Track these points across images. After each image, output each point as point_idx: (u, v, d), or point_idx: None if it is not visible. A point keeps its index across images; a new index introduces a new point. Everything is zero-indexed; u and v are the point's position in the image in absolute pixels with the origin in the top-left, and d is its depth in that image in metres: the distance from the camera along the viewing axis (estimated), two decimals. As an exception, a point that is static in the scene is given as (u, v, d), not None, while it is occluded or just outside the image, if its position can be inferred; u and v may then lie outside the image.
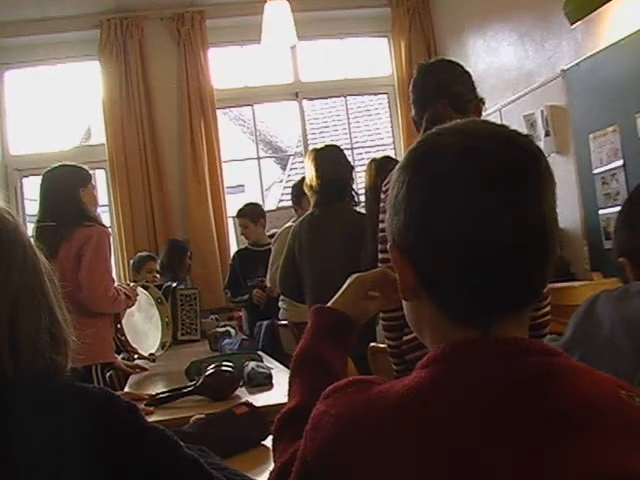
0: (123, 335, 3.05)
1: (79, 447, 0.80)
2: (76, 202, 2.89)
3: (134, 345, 3.12)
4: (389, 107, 6.14)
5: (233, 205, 5.41)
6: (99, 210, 3.58)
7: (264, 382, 2.24)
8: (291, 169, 10.93)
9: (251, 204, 4.76)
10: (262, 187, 6.13)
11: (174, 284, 4.35)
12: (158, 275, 4.66)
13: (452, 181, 0.70)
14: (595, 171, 3.76)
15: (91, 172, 3.16)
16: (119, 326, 3.04)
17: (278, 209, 6.21)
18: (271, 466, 0.92)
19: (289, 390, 0.98)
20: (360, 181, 4.83)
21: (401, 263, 0.75)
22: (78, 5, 5.25)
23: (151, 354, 3.20)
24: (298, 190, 3.82)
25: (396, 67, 5.85)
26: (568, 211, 3.93)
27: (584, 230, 3.94)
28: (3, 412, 0.80)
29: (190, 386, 2.10)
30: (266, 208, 5.25)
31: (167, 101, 5.52)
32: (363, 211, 3.13)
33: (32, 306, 0.88)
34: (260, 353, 2.78)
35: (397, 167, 0.78)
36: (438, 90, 1.83)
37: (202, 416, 1.61)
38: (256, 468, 1.36)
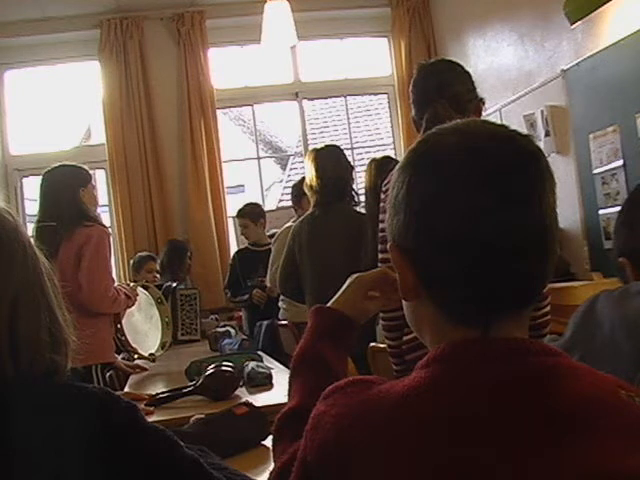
0: (123, 335, 3.05)
1: (79, 447, 0.80)
2: (76, 202, 2.89)
3: (134, 345, 3.12)
4: (389, 107, 6.14)
5: (233, 205, 5.41)
6: (99, 210, 3.57)
7: (264, 382, 2.25)
8: (291, 169, 10.94)
9: (251, 204, 4.76)
10: (262, 187, 6.13)
11: (174, 284, 4.35)
12: (158, 275, 4.66)
13: (452, 181, 0.70)
14: (595, 171, 3.76)
15: (91, 172, 3.16)
16: (119, 326, 3.04)
17: (278, 209, 6.21)
18: (271, 466, 0.92)
19: (289, 390, 0.98)
20: (360, 181, 4.83)
21: (401, 263, 0.75)
22: (78, 5, 5.25)
23: (151, 354, 3.20)
24: (298, 190, 3.82)
25: (396, 67, 5.85)
26: (568, 211, 3.93)
27: (584, 230, 3.94)
28: (3, 412, 0.80)
29: (190, 386, 2.10)
30: (266, 208, 5.24)
31: (167, 101, 5.52)
32: (363, 211, 3.13)
33: (32, 306, 0.88)
34: (260, 353, 2.79)
35: (397, 167, 0.78)
36: (438, 90, 1.83)
37: (202, 416, 1.61)
38: (256, 468, 1.37)
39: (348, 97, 6.46)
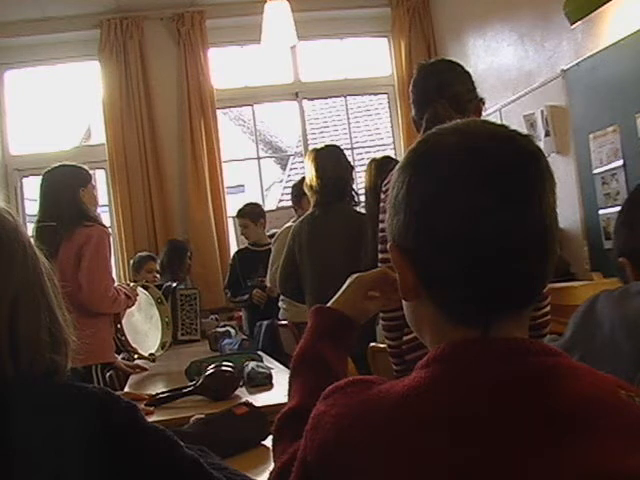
0: (123, 335, 3.05)
1: (79, 447, 0.80)
2: (76, 202, 2.89)
3: (134, 345, 3.12)
4: (389, 107, 6.14)
5: (233, 205, 5.41)
6: (99, 210, 3.57)
7: (264, 382, 2.25)
8: (291, 169, 10.95)
9: (251, 204, 4.76)
10: (262, 187, 6.13)
11: (174, 284, 4.35)
12: (158, 275, 4.66)
13: (452, 181, 0.70)
14: (595, 171, 3.76)
15: (91, 172, 3.16)
16: (119, 326, 3.04)
17: (278, 209, 6.21)
18: (271, 466, 0.92)
19: (289, 390, 0.98)
20: (360, 181, 4.83)
21: (401, 263, 0.75)
22: (78, 5, 5.25)
23: (151, 354, 3.20)
24: (298, 190, 3.83)
25: (396, 67, 5.85)
26: (568, 211, 3.93)
27: (584, 230, 3.94)
28: (3, 412, 0.80)
29: (190, 386, 2.10)
30: (266, 208, 5.24)
31: (167, 101, 5.52)
32: (363, 211, 3.13)
33: (32, 306, 0.88)
34: (260, 353, 2.79)
35: (397, 167, 0.78)
36: (438, 90, 1.83)
37: (202, 416, 1.61)
38: (256, 468, 1.37)
39: (348, 97, 6.46)
